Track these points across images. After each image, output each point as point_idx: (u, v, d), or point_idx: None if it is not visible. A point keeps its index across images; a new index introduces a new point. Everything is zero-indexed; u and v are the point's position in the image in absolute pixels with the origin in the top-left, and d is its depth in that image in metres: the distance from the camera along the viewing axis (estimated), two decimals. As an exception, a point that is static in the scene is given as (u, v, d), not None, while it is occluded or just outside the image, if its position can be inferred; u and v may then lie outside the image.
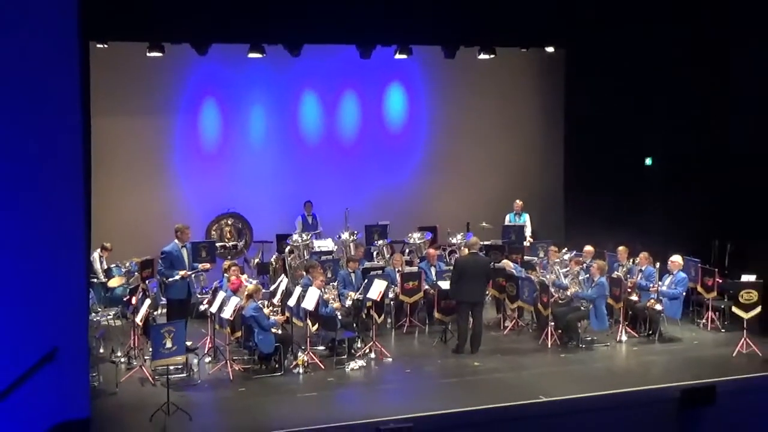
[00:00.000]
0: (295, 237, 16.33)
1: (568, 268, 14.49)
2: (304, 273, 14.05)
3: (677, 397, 11.39)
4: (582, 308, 13.88)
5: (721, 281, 14.46)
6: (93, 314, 13.83)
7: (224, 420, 11.00)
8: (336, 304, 13.34)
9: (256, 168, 18.27)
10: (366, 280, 13.98)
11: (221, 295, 12.77)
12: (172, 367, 11.48)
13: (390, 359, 13.12)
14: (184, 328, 11.66)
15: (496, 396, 11.40)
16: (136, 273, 15.23)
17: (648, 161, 17.40)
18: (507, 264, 14.94)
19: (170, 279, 13.38)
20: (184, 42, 15.47)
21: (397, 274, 14.81)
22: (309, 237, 16.45)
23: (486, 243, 16.57)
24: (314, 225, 17.56)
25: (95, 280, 15.14)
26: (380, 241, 16.84)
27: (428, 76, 19.22)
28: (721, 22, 15.31)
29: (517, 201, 18.02)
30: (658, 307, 13.95)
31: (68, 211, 8.47)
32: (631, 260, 14.91)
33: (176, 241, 13.64)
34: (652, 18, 15.84)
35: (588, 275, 14.11)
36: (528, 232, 17.80)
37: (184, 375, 12.18)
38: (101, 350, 12.99)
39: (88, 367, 10.02)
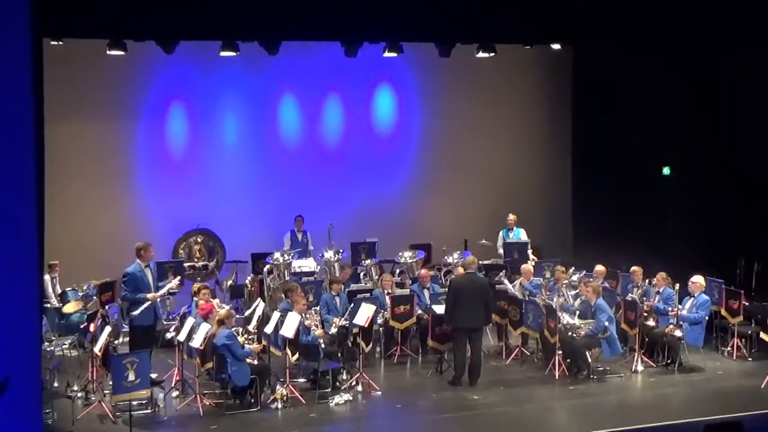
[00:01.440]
0: (276, 255, 16.28)
1: (577, 291, 14.49)
2: (283, 296, 14.03)
3: (700, 433, 11.41)
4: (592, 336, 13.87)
5: (747, 304, 14.51)
6: (46, 343, 13.76)
7: (194, 461, 11.00)
8: (319, 332, 13.31)
9: (228, 180, 18.29)
10: (352, 305, 13.94)
11: (190, 321, 12.73)
12: (135, 403, 11.43)
13: (379, 393, 13.09)
14: (149, 359, 11.63)
15: (497, 433, 11.41)
16: (94, 297, 15.19)
17: (666, 171, 17.46)
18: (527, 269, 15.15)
19: (138, 307, 13.27)
20: (149, 39, 15.46)
21: (387, 298, 14.80)
22: (291, 255, 16.40)
23: (485, 262, 16.59)
24: (304, 243, 17.55)
25: (48, 305, 15.09)
26: (368, 261, 16.83)
27: (420, 77, 19.30)
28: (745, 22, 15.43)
29: (510, 215, 18.04)
30: (678, 333, 13.94)
31: (19, 227, 8.40)
32: (648, 281, 14.92)
33: (138, 261, 13.57)
34: (673, 12, 15.91)
35: (581, 300, 14.11)
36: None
37: (149, 411, 12.09)
38: (56, 384, 12.89)
39: (41, 403, 9.96)
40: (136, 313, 13.27)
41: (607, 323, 13.61)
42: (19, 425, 8.53)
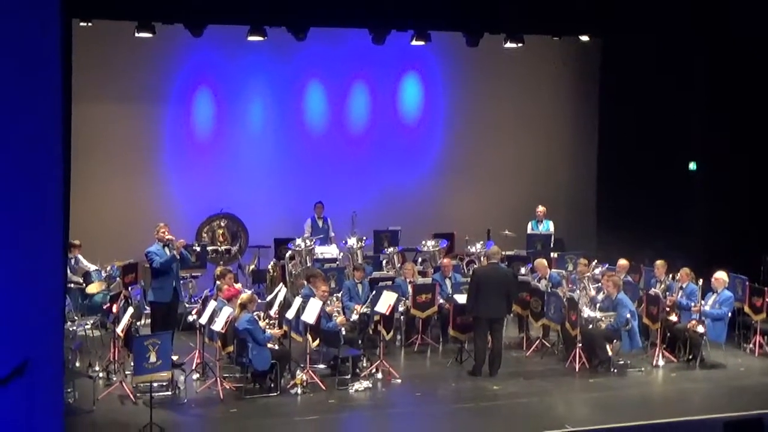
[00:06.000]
0: (298, 241, 16.28)
1: (600, 284, 14.42)
2: (305, 282, 14.04)
3: (720, 430, 11.31)
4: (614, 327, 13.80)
5: (771, 301, 14.39)
6: (69, 323, 13.83)
7: (213, 444, 11.03)
8: (340, 318, 13.31)
9: (253, 165, 18.29)
10: (374, 292, 13.95)
11: (212, 304, 12.75)
12: (155, 384, 11.46)
13: (399, 381, 13.09)
14: (171, 341, 11.68)
15: (516, 424, 11.41)
16: (117, 278, 15.25)
17: (692, 166, 17.33)
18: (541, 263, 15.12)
19: (163, 259, 13.42)
20: (177, 22, 15.39)
21: (409, 286, 14.79)
22: (312, 242, 16.40)
23: (508, 253, 16.54)
24: (325, 229, 17.55)
25: (72, 285, 15.14)
26: (390, 249, 16.81)
27: (447, 66, 19.22)
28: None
29: (540, 207, 17.99)
30: (700, 329, 13.86)
31: (45, 207, 8.42)
32: (671, 276, 14.85)
33: (158, 242, 13.70)
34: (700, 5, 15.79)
35: (604, 293, 14.04)
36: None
37: (169, 393, 12.15)
38: (77, 363, 12.95)
39: (63, 383, 9.99)
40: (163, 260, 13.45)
41: (628, 316, 13.54)
42: (40, 403, 8.57)
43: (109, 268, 15.59)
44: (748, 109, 16.01)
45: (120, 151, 17.58)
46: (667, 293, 14.54)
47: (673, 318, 14.29)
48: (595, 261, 15.51)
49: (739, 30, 15.65)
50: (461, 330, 14.12)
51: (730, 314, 14.07)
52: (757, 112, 15.97)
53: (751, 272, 15.12)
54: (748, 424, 11.34)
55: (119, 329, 12.40)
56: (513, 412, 11.92)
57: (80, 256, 15.71)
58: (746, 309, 14.54)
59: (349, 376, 12.85)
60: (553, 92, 19.93)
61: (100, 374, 12.75)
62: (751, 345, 14.63)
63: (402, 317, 14.67)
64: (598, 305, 14.03)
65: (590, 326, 13.70)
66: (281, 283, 14.96)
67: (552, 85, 19.90)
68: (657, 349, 13.92)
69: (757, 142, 16.01)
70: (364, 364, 13.31)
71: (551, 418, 11.57)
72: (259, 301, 13.54)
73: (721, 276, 14.16)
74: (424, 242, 17.02)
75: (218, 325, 12.28)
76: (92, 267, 15.71)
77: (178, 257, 13.68)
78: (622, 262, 15.24)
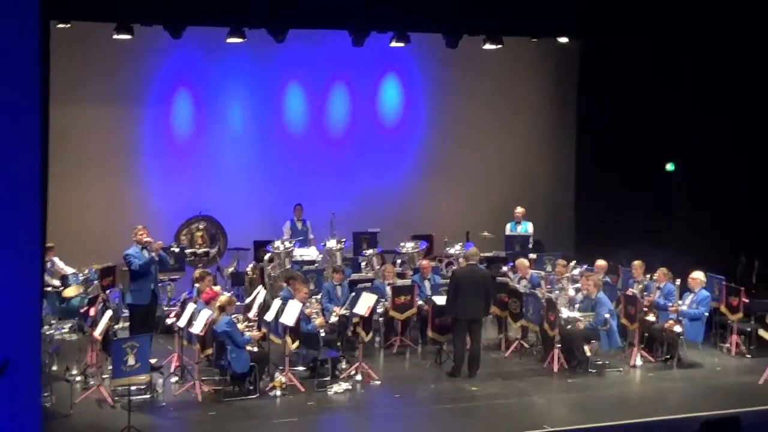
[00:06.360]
0: (277, 243, 16.28)
1: (578, 284, 14.47)
2: (284, 284, 14.03)
3: (697, 429, 11.34)
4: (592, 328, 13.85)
5: (747, 301, 14.44)
6: (46, 327, 13.76)
7: (191, 447, 11.00)
8: (319, 320, 13.32)
9: (232, 167, 18.27)
10: (353, 294, 13.96)
11: (191, 307, 12.72)
12: (134, 387, 11.41)
13: (378, 382, 13.08)
14: (149, 344, 11.62)
15: (495, 425, 11.42)
16: (95, 281, 15.19)
17: (669, 166, 17.43)
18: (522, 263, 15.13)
19: (141, 261, 13.42)
20: (157, 24, 15.38)
21: (388, 288, 14.80)
22: (291, 244, 16.40)
23: (487, 254, 16.56)
24: (304, 231, 17.55)
25: (49, 288, 15.07)
26: (369, 251, 16.83)
27: (427, 68, 19.26)
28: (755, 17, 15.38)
29: (518, 208, 18.02)
30: (678, 328, 13.92)
31: (23, 209, 8.40)
32: (648, 276, 14.91)
33: (136, 244, 13.67)
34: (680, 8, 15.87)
35: (583, 294, 14.10)
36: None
37: (148, 396, 12.10)
38: (54, 367, 12.91)
39: (40, 386, 9.95)
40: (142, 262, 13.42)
41: (607, 316, 13.60)
42: (18, 407, 8.54)
43: (86, 271, 15.54)
44: (726, 110, 16.09)
45: (98, 152, 17.52)
46: (645, 293, 14.61)
47: (651, 318, 14.35)
48: (574, 262, 15.59)
49: (733, 32, 15.74)
50: (440, 331, 14.14)
51: (707, 314, 14.13)
52: (733, 114, 16.06)
53: (727, 272, 15.19)
54: (725, 423, 11.37)
55: (97, 333, 12.34)
56: (492, 412, 11.93)
57: (56, 259, 15.63)
58: (723, 309, 14.58)
59: (328, 378, 12.82)
60: (532, 94, 19.99)
61: (78, 378, 12.64)
62: (727, 344, 14.69)
63: (381, 319, 14.67)
64: (577, 306, 14.08)
65: (569, 326, 13.74)
66: (260, 286, 14.94)
67: (531, 86, 19.96)
68: (635, 349, 13.97)
69: (733, 143, 16.10)
70: (344, 366, 13.30)
71: (530, 419, 11.58)
72: (238, 303, 13.55)
73: (698, 276, 14.22)
74: (403, 244, 17.04)
75: (197, 328, 12.25)
76: (69, 270, 15.65)
77: (157, 259, 13.65)
78: (600, 262, 15.30)
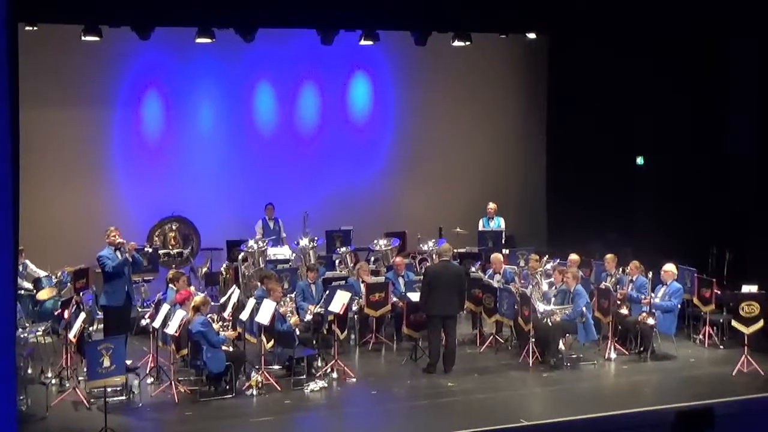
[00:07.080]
0: (251, 243, 16.26)
1: (551, 279, 14.54)
2: (259, 284, 14.02)
3: (671, 420, 11.43)
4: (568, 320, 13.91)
5: (719, 292, 14.55)
6: (20, 330, 13.65)
7: (168, 448, 10.98)
8: (294, 319, 13.30)
9: (204, 167, 18.22)
10: (327, 292, 13.96)
11: (165, 308, 12.69)
12: (109, 389, 11.41)
13: (354, 380, 13.10)
14: (124, 345, 11.60)
15: (471, 420, 11.40)
16: (68, 284, 15.11)
17: (639, 160, 17.55)
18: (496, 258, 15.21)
19: (115, 263, 13.36)
20: (124, 25, 15.31)
21: (362, 285, 14.79)
22: (265, 243, 16.38)
23: (460, 250, 16.62)
24: (276, 230, 17.53)
25: (22, 291, 14.99)
26: (343, 249, 16.84)
27: (396, 65, 19.28)
28: (721, 15, 15.47)
29: (491, 204, 18.07)
30: (651, 321, 14.02)
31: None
32: (621, 269, 14.99)
33: (109, 246, 13.62)
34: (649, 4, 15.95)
35: (557, 288, 14.17)
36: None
37: (124, 398, 12.08)
38: (29, 370, 12.83)
39: (15, 390, 9.90)
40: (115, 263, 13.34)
41: (584, 308, 13.67)
42: (-7, 411, 8.47)
43: (59, 274, 15.45)
44: (692, 105, 16.22)
45: (69, 155, 17.44)
46: (618, 286, 14.69)
47: (624, 311, 14.44)
48: (547, 256, 15.63)
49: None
50: (415, 328, 14.17)
51: (679, 306, 14.23)
52: (700, 108, 16.17)
53: (699, 264, 15.30)
54: (699, 414, 11.44)
55: (71, 335, 12.29)
56: (468, 407, 11.96)
57: (28, 262, 15.55)
58: (695, 301, 14.69)
59: (304, 377, 12.83)
60: (502, 90, 20.05)
61: (53, 381, 12.64)
62: (700, 336, 14.81)
63: (356, 316, 14.69)
64: (552, 299, 14.14)
65: (545, 320, 13.79)
66: (234, 285, 14.91)
67: (501, 82, 20.01)
68: (609, 342, 14.06)
69: (701, 137, 16.21)
70: (319, 364, 13.30)
71: (506, 413, 11.63)
72: (213, 303, 13.51)
73: (670, 268, 14.32)
74: (376, 241, 17.05)
75: (172, 329, 12.22)
76: (42, 273, 15.57)
77: (130, 260, 13.60)
78: (573, 256, 15.38)
